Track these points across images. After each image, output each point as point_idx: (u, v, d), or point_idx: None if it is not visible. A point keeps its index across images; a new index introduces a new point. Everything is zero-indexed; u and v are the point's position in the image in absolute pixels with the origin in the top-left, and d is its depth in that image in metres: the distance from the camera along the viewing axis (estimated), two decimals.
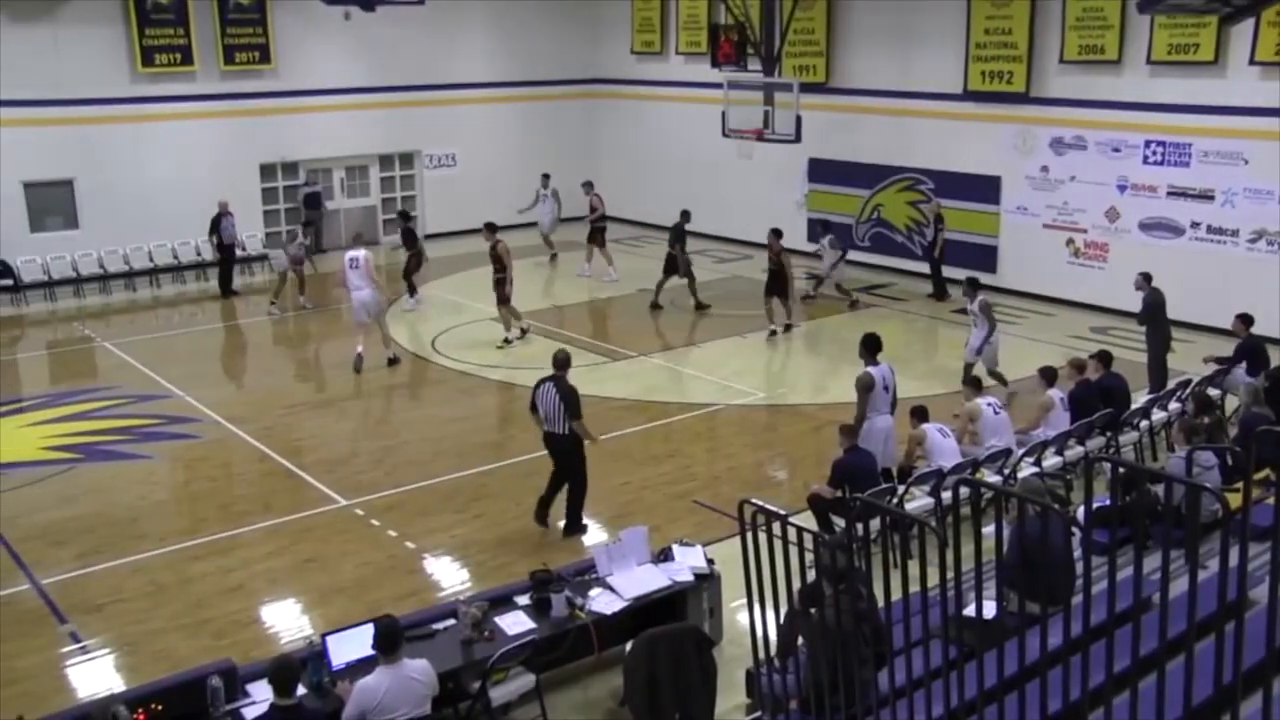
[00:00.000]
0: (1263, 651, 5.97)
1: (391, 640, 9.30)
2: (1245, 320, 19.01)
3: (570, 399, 14.95)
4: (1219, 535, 6.36)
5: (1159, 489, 11.48)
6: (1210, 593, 6.44)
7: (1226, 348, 19.37)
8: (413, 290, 27.94)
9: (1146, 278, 20.16)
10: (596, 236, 30.67)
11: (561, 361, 15.44)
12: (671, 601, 11.92)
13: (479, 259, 30.33)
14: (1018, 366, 21.26)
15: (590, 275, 30.48)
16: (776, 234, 24.98)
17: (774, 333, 24.81)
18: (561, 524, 15.44)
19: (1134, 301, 20.75)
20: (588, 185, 31.72)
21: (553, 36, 37.26)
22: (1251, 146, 23.44)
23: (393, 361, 23.12)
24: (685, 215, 27.59)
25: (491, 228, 24.24)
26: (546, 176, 32.42)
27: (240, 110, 31.99)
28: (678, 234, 27.10)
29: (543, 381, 15.21)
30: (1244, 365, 18.44)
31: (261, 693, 9.48)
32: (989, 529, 7.59)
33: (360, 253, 23.20)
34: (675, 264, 27.07)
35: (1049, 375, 16.71)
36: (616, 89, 38.11)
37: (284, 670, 8.97)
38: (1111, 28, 25.23)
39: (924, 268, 29.07)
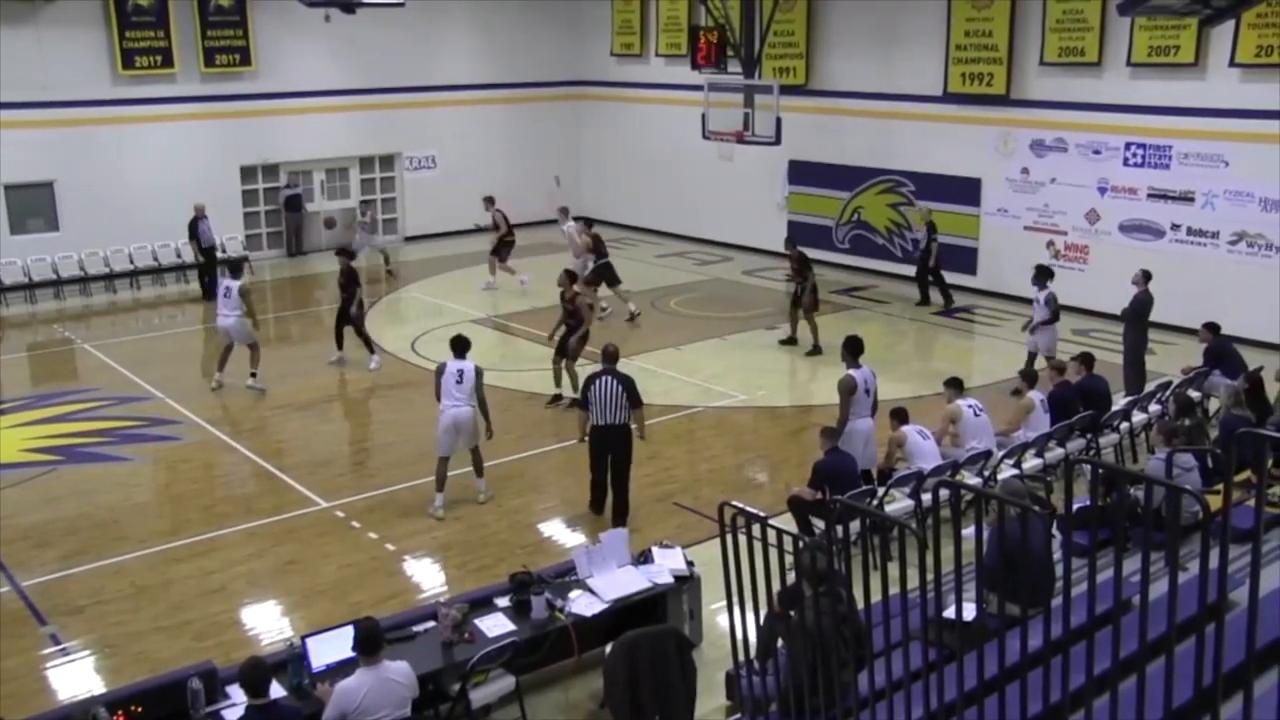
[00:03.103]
0: (1243, 654, 5.98)
1: (372, 642, 9.29)
2: (1211, 328, 19.05)
3: (632, 388, 15.34)
4: (1199, 537, 6.38)
5: (1139, 491, 11.54)
6: (1191, 594, 6.46)
7: (1199, 351, 19.40)
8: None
9: (1146, 275, 20.17)
10: (502, 252, 29.40)
11: (613, 354, 15.83)
12: (652, 603, 11.93)
13: (460, 260, 30.51)
14: (998, 369, 21.32)
15: (497, 287, 29.32)
16: (570, 276, 21.42)
17: (558, 398, 20.95)
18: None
19: (1115, 303, 20.78)
20: (489, 200, 30.09)
21: (533, 38, 37.23)
22: (1232, 148, 23.52)
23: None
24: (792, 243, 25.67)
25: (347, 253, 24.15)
26: (365, 203, 31.83)
27: (221, 112, 31.93)
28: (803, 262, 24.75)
29: (597, 376, 15.45)
30: (1218, 369, 18.47)
31: (242, 694, 9.46)
32: (969, 531, 7.60)
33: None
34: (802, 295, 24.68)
35: (1029, 377, 16.73)
36: (597, 91, 38.11)
37: (254, 671, 8.99)
38: (1092, 29, 25.29)
39: (904, 269, 29.13)
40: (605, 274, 26.75)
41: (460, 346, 16.41)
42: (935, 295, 27.72)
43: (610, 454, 15.59)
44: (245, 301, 21.45)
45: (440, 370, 16.33)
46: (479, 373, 16.26)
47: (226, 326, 21.69)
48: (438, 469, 16.36)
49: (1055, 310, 20.38)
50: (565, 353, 20.67)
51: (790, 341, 24.37)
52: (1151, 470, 13.55)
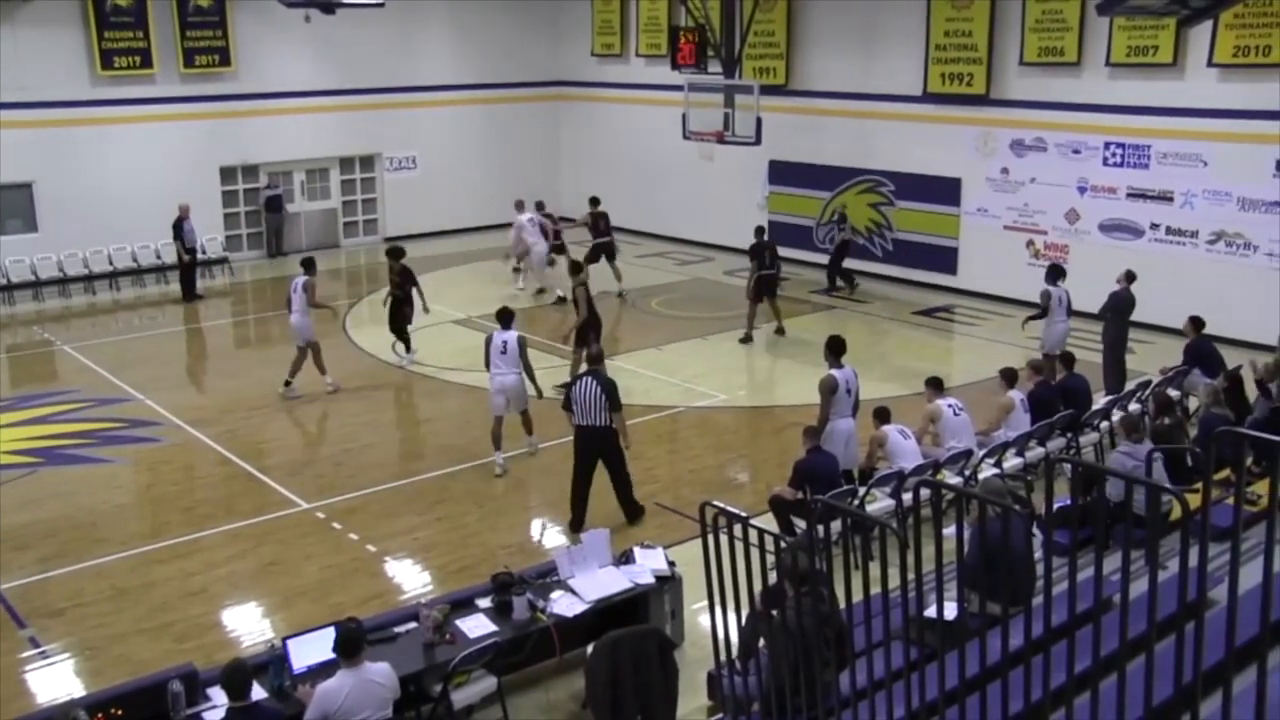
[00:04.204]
0: (1222, 651, 6.00)
1: (353, 645, 9.28)
2: (1196, 323, 19.10)
3: (612, 391, 15.26)
4: (1179, 536, 6.40)
5: (1116, 486, 11.58)
6: (1170, 593, 6.49)
7: (1180, 351, 19.43)
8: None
9: (1129, 276, 20.22)
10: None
11: (597, 355, 16.02)
12: (633, 604, 11.92)
13: (440, 261, 30.51)
14: (978, 368, 21.34)
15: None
16: (575, 266, 22.30)
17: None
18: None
19: (1095, 302, 20.80)
20: (594, 200, 29.69)
21: (513, 39, 37.24)
22: (1210, 148, 23.60)
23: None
24: (761, 231, 26.26)
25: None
26: (539, 205, 30.55)
27: (200, 113, 31.86)
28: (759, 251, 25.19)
29: (580, 377, 15.66)
30: (1198, 368, 18.49)
31: (223, 696, 9.44)
32: (949, 530, 7.61)
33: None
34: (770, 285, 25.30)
35: (1009, 377, 16.74)
36: (577, 91, 38.14)
37: (235, 674, 8.99)
38: (1071, 29, 25.35)
39: (886, 269, 29.26)
40: (604, 250, 28.04)
41: (505, 318, 17.86)
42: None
43: (597, 456, 15.54)
44: (306, 294, 21.26)
45: (488, 341, 17.74)
46: (522, 342, 17.73)
47: (292, 324, 21.61)
48: (493, 429, 17.77)
49: (1045, 306, 20.37)
50: (584, 343, 20.72)
51: (779, 332, 24.63)
52: (1115, 465, 13.68)
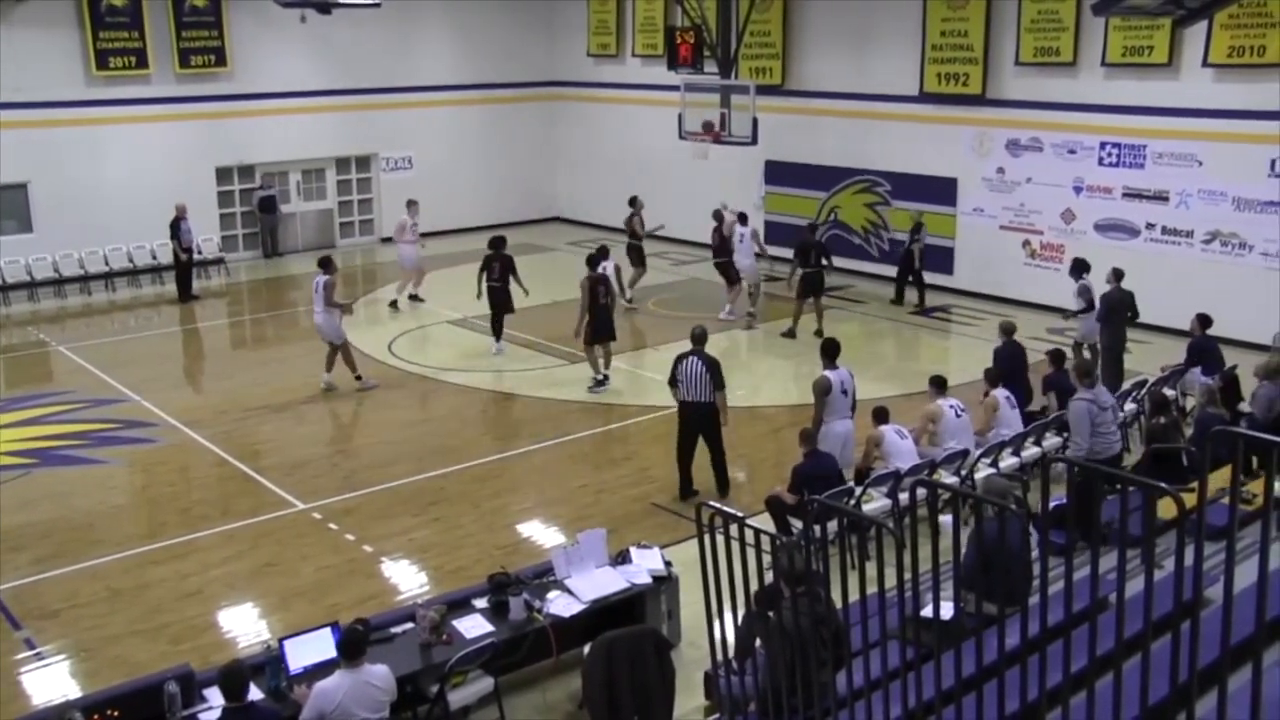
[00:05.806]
0: (1218, 650, 6.00)
1: (355, 647, 9.31)
2: (1202, 320, 19.11)
3: (716, 369, 16.20)
4: (1175, 535, 6.40)
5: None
6: (1166, 592, 6.48)
7: (1180, 349, 19.44)
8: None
9: (1117, 274, 20.23)
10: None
11: (700, 336, 16.69)
12: (630, 604, 11.92)
13: (436, 262, 30.34)
14: (975, 368, 21.32)
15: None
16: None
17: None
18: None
19: None
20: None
21: (509, 39, 37.22)
22: (1205, 148, 23.60)
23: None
24: (812, 229, 26.85)
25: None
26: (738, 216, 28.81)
27: (196, 113, 31.81)
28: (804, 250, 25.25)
29: (685, 356, 16.34)
30: (1199, 367, 18.49)
31: (219, 698, 9.43)
32: (946, 519, 7.60)
33: None
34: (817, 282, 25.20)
35: (992, 377, 16.71)
36: (573, 91, 38.12)
37: (232, 676, 8.98)
38: (1066, 30, 25.35)
39: (882, 269, 29.17)
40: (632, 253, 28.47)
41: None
42: (911, 295, 27.76)
43: (699, 430, 16.35)
44: (327, 293, 21.36)
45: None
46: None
47: (316, 324, 21.84)
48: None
49: (1089, 300, 20.53)
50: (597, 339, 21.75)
51: (818, 334, 24.49)
52: (1074, 412, 14.31)
